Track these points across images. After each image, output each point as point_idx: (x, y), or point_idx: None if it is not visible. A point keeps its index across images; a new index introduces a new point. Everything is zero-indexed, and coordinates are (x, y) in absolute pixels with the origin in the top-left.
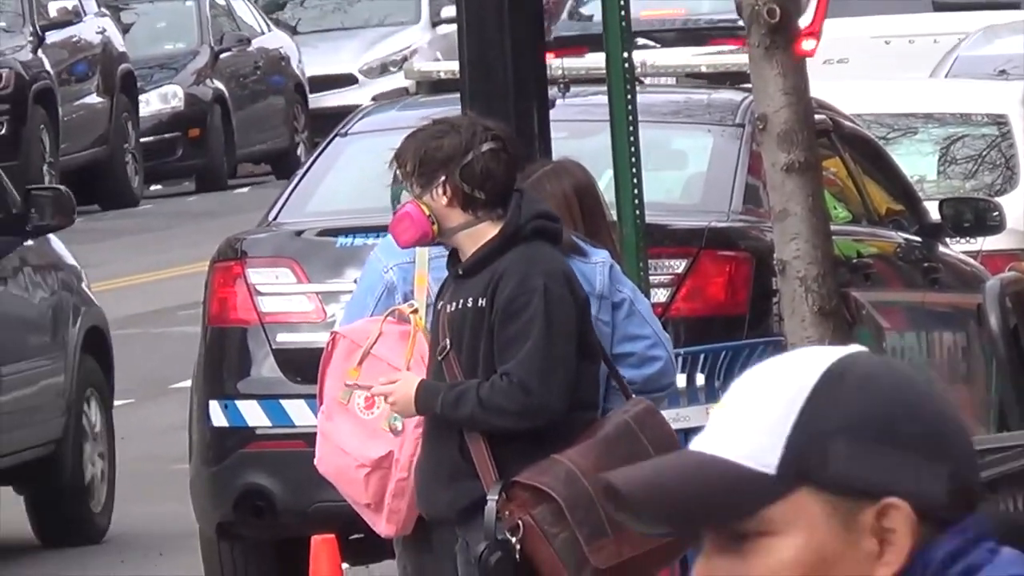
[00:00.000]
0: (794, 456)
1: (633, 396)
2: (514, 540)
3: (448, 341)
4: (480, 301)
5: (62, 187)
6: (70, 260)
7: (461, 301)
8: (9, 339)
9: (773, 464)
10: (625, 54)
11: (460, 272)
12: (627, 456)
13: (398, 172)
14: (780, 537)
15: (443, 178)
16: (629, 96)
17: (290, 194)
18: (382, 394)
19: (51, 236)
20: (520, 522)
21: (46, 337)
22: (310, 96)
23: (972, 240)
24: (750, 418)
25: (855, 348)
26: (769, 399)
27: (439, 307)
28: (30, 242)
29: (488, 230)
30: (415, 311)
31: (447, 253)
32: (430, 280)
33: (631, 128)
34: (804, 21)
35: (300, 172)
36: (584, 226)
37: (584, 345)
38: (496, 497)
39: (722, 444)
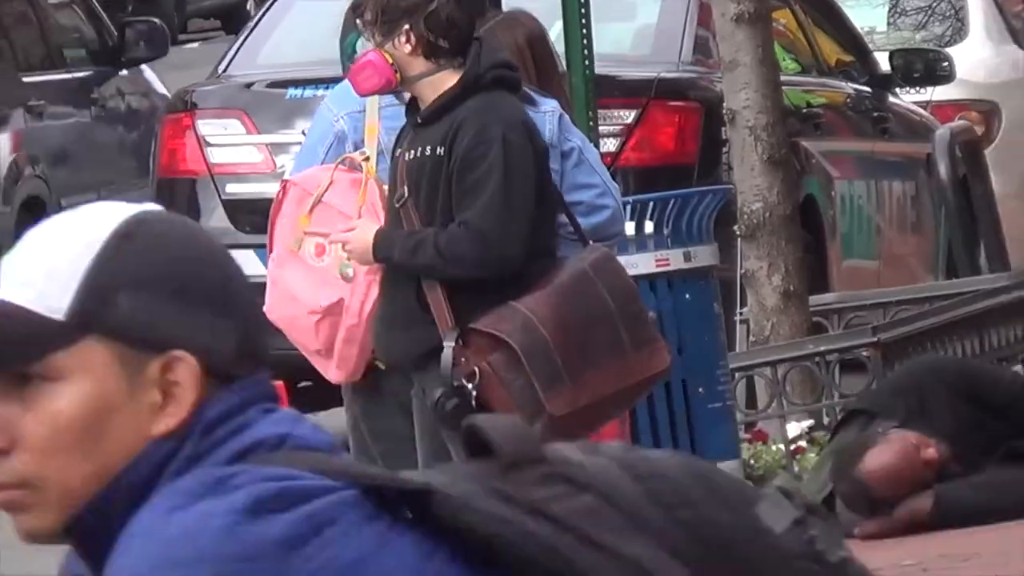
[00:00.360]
0: (82, 304)
1: (591, 243)
2: (471, 387)
3: (406, 189)
4: (439, 149)
5: (156, 19)
6: (161, 89)
7: (420, 149)
8: (105, 164)
9: (62, 310)
10: None
11: (419, 120)
12: (584, 303)
13: (357, 22)
14: (64, 383)
15: (407, 26)
16: None
17: (240, 46)
18: (339, 241)
19: (144, 67)
20: (477, 369)
21: (136, 163)
22: None
23: (922, 90)
24: (42, 265)
25: (149, 206)
26: (61, 249)
27: (397, 155)
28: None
29: (448, 78)
30: (366, 159)
31: (398, 102)
32: (381, 129)
33: None
34: None
35: (250, 25)
36: (535, 76)
37: (542, 193)
38: (452, 344)
39: (11, 289)
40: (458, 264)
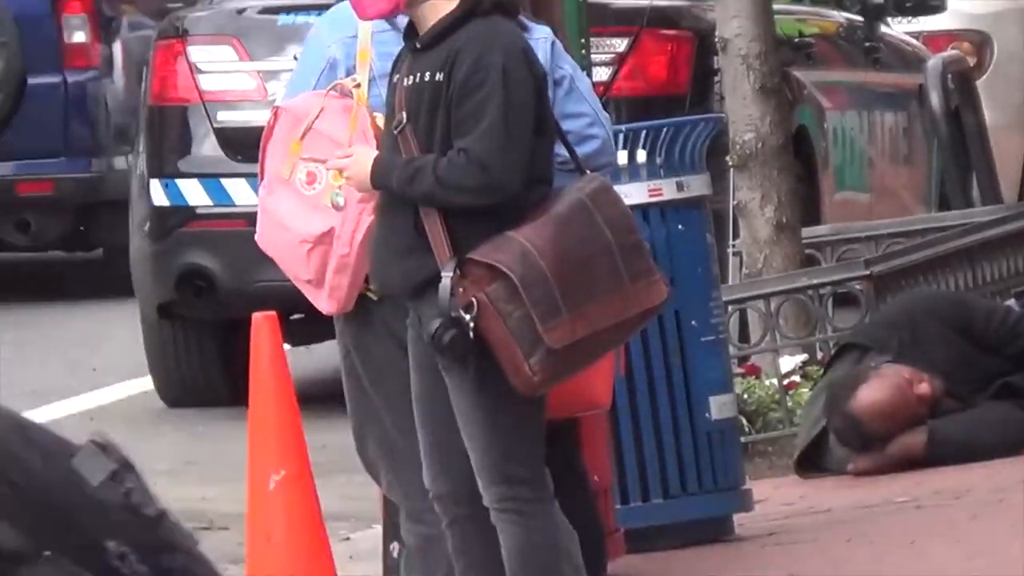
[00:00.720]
0: None
1: (588, 172)
2: (468, 317)
3: (404, 115)
4: (437, 75)
5: None
6: None
7: (418, 75)
8: None
9: None
10: None
11: (417, 45)
12: (582, 234)
13: None
14: None
15: None
16: None
17: None
18: (336, 168)
19: None
20: (474, 299)
21: None
22: None
23: (914, 20)
24: None
25: None
26: None
27: (395, 80)
28: None
29: (447, 3)
30: (357, 85)
31: (391, 28)
32: (374, 55)
33: None
34: None
35: None
36: (528, 1)
37: (540, 121)
38: (451, 273)
39: None
40: (457, 191)
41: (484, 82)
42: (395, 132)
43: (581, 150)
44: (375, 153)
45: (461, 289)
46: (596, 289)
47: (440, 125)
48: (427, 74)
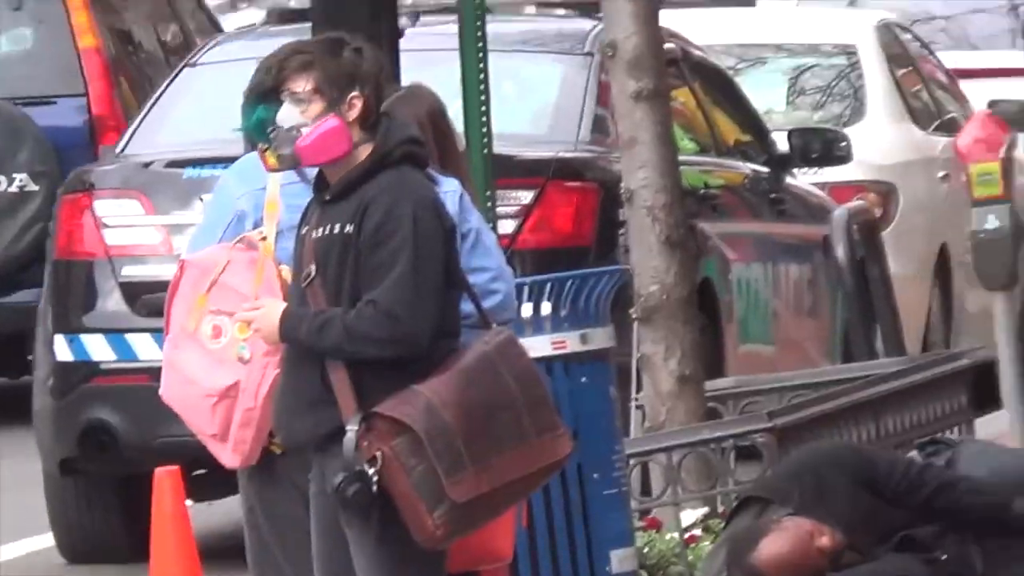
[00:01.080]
0: None
1: (495, 325)
2: (372, 472)
3: (313, 267)
4: (348, 227)
5: None
6: None
7: (328, 227)
8: None
9: None
10: None
11: (327, 197)
12: (488, 387)
13: (284, 94)
14: None
15: (355, 93)
16: (479, 24)
17: (138, 125)
18: (245, 320)
19: None
20: (379, 453)
21: None
22: None
23: (819, 171)
24: None
25: None
26: None
27: (303, 232)
28: None
29: (359, 153)
30: (264, 238)
31: (299, 179)
32: (282, 207)
33: (481, 57)
34: None
35: (149, 103)
36: (436, 154)
37: (449, 273)
38: (355, 427)
39: None
40: (366, 343)
41: (394, 233)
42: (303, 285)
43: (483, 304)
44: (284, 305)
45: (366, 443)
46: (502, 443)
47: (349, 277)
48: (337, 226)
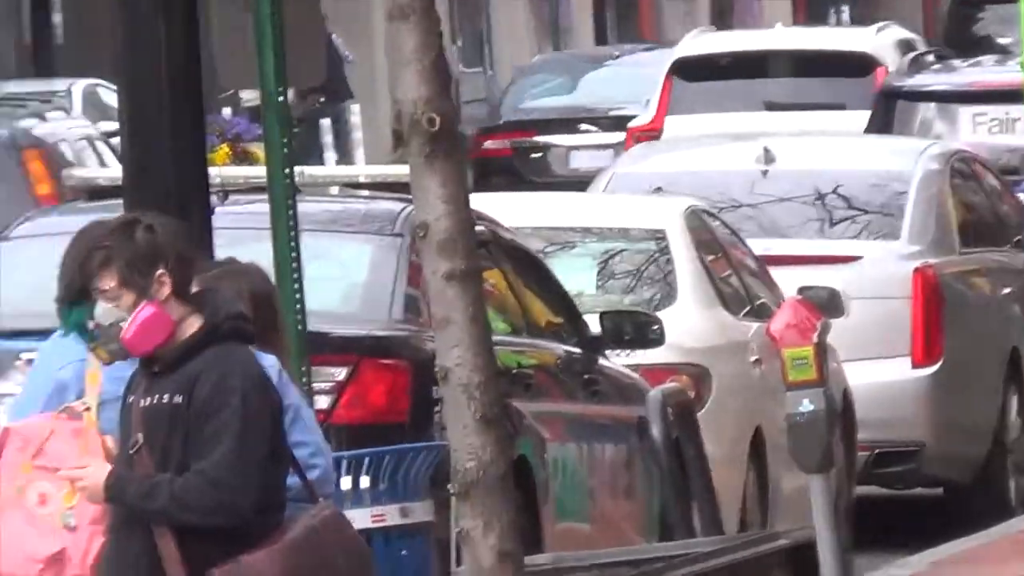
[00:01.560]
0: None
1: (321, 499)
2: None
3: (141, 436)
4: (176, 398)
5: None
6: None
7: (156, 397)
8: None
9: None
10: (286, 163)
11: (156, 369)
12: (316, 559)
13: (95, 293)
14: None
15: (160, 270)
16: (290, 204)
17: None
18: (70, 478)
19: None
20: None
21: None
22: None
23: (631, 353)
24: None
25: None
26: None
27: (130, 401)
28: None
29: (187, 327)
30: (87, 408)
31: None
32: (103, 378)
33: (293, 236)
34: (644, 119)
35: None
36: (257, 331)
37: (275, 447)
38: None
39: None
40: (191, 511)
41: (224, 407)
42: (131, 452)
43: (292, 478)
44: (109, 467)
45: None
46: None
47: (177, 447)
48: (165, 396)
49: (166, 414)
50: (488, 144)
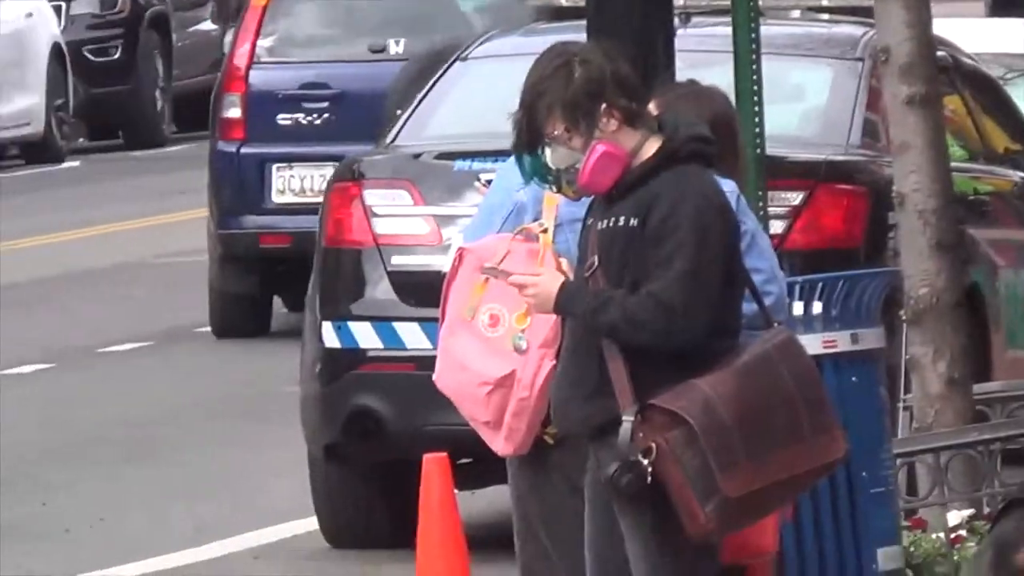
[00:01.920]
0: None
1: (776, 324)
2: (646, 462)
3: (596, 258)
4: (632, 221)
5: None
6: None
7: (613, 219)
8: None
9: None
10: None
11: (614, 192)
12: (766, 385)
13: (547, 141)
14: None
15: (603, 105)
16: (753, 27)
17: (408, 117)
18: (521, 284)
19: None
20: (654, 445)
21: None
22: None
23: None
24: None
25: None
26: None
27: (588, 224)
28: None
29: (647, 149)
30: (544, 230)
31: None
32: (561, 200)
33: (754, 60)
34: None
35: (420, 96)
36: (715, 155)
37: (730, 272)
38: (632, 418)
39: None
40: (641, 329)
41: (677, 228)
42: (586, 275)
43: (755, 305)
44: (563, 278)
45: (641, 434)
46: (776, 441)
47: (631, 269)
48: (621, 219)
49: (622, 236)
50: None
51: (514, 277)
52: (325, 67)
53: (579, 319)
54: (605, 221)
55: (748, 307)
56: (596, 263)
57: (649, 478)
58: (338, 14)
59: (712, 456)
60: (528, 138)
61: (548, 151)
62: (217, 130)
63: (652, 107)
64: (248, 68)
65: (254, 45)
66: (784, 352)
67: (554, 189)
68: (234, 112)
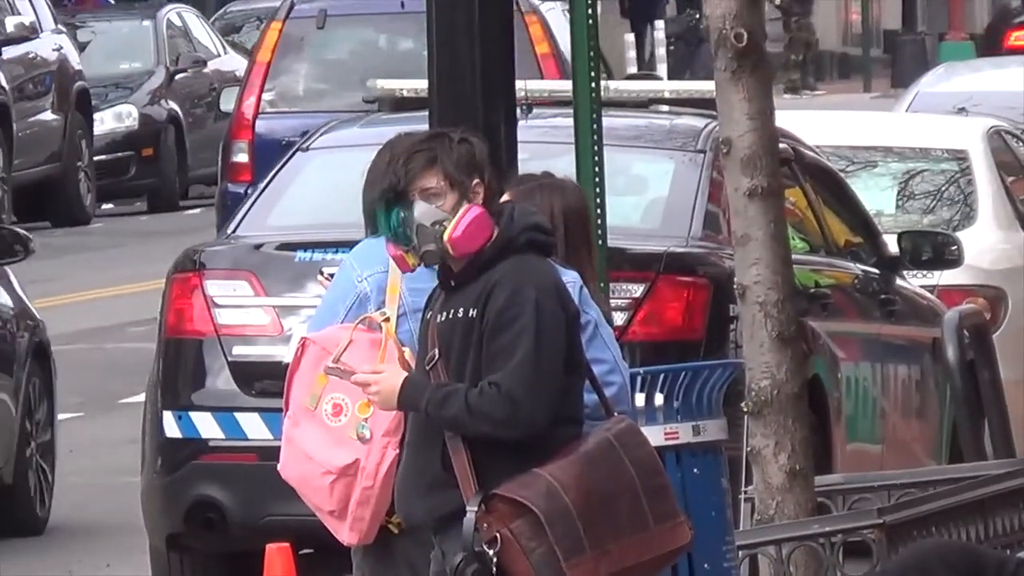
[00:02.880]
0: None
1: (616, 413)
2: (491, 553)
3: (437, 351)
4: (471, 311)
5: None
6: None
7: (452, 311)
8: None
9: None
10: (592, 77)
11: (452, 283)
12: (608, 473)
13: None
14: None
15: (476, 180)
16: (595, 118)
17: (250, 208)
18: (364, 383)
19: None
20: (498, 535)
21: None
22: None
23: (928, 274)
24: None
25: None
26: None
27: (428, 317)
28: None
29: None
30: (387, 319)
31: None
32: (403, 289)
33: (596, 151)
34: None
35: (260, 186)
36: (563, 248)
37: (571, 360)
38: (476, 508)
39: None
40: (485, 421)
41: (518, 317)
42: (427, 368)
43: (590, 396)
44: (405, 375)
45: (486, 524)
46: (620, 529)
47: (472, 360)
48: (460, 310)
49: (461, 327)
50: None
51: (356, 376)
52: (323, 116)
53: (423, 414)
54: (444, 313)
55: (589, 397)
56: (437, 355)
57: (494, 568)
58: (333, 70)
59: (557, 544)
60: (401, 188)
61: (416, 205)
62: (226, 174)
63: (507, 196)
64: (255, 118)
65: (259, 98)
66: (625, 441)
67: (403, 249)
68: (242, 157)
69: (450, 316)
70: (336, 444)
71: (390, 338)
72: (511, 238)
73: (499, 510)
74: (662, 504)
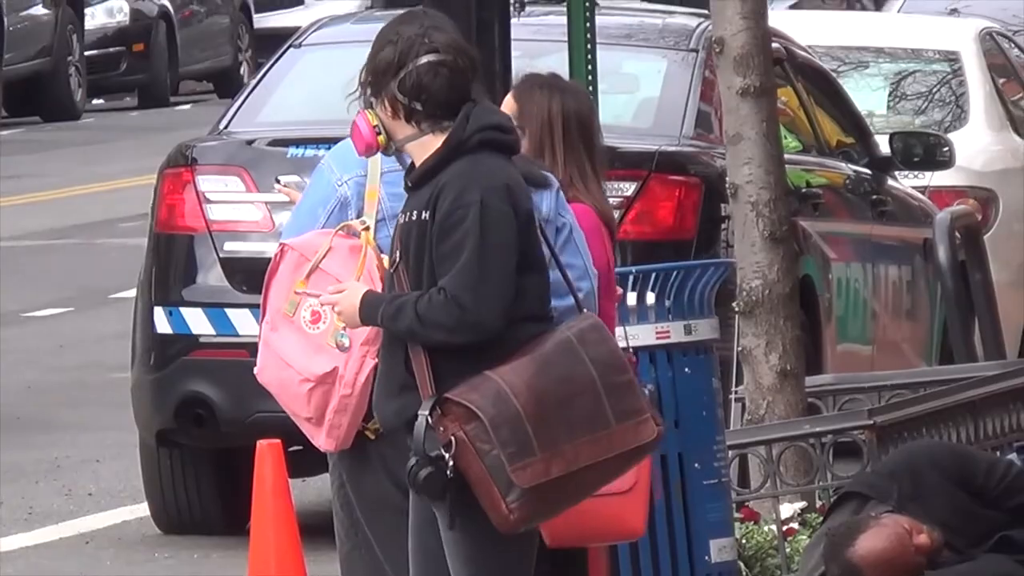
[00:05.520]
0: None
1: (585, 311)
2: (447, 456)
3: (398, 254)
4: (424, 214)
5: None
6: None
7: (408, 214)
8: None
9: None
10: None
11: (409, 184)
12: (564, 373)
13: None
14: None
15: (385, 90)
16: (588, 17)
17: (242, 104)
18: (329, 303)
19: None
20: (453, 437)
21: None
22: (255, 16)
23: (920, 175)
24: None
25: None
26: None
27: (397, 219)
28: None
29: (434, 141)
30: (367, 228)
31: (400, 167)
32: (383, 195)
33: (589, 49)
34: None
35: (252, 82)
36: (563, 148)
37: (528, 258)
38: (427, 412)
39: None
40: (435, 329)
41: (462, 220)
42: (391, 271)
43: (565, 300)
44: (365, 289)
45: (442, 427)
46: (576, 428)
47: (427, 263)
48: (415, 212)
49: (416, 230)
50: None
51: (323, 298)
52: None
53: (382, 327)
54: (404, 215)
55: (557, 301)
56: (398, 258)
57: (450, 472)
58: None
59: (502, 448)
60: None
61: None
62: None
63: (508, 98)
64: None
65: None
66: (586, 338)
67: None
68: None
69: (407, 219)
70: (315, 352)
71: (369, 245)
72: (461, 139)
73: (454, 412)
74: (625, 401)
